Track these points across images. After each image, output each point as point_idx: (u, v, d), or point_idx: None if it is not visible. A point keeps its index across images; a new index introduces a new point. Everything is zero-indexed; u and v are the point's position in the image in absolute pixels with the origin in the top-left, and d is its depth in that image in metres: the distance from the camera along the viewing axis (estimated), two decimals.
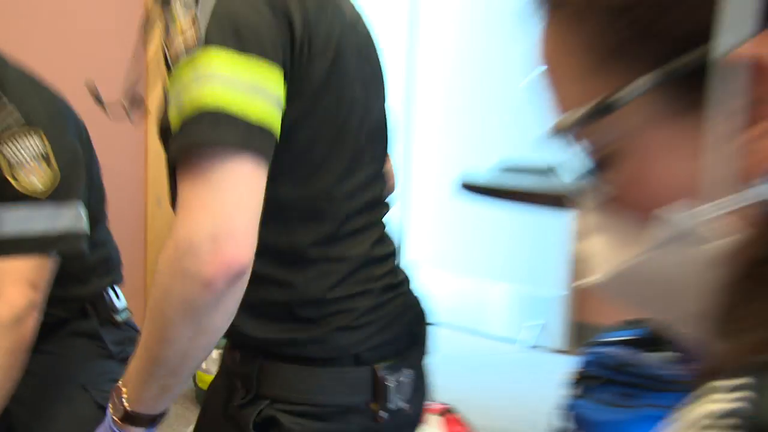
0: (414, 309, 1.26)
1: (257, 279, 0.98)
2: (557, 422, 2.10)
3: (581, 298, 3.32)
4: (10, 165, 1.50)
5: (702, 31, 0.41)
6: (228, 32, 0.95)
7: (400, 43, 4.13)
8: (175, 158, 0.97)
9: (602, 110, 0.46)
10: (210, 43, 0.93)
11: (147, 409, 1.05)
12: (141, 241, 2.87)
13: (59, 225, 1.57)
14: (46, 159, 1.54)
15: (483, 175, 1.45)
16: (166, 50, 0.98)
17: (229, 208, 0.96)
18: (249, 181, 0.98)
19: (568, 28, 0.48)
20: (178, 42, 0.95)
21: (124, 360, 1.78)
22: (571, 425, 2.08)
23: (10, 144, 1.51)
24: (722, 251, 0.47)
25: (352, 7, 1.17)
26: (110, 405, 1.07)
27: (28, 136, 1.53)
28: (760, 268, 0.44)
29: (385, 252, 1.24)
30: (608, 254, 0.53)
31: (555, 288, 3.26)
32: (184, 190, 0.96)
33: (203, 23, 0.94)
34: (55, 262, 1.58)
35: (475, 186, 1.40)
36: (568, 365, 2.20)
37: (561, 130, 0.50)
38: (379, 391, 1.18)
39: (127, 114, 1.29)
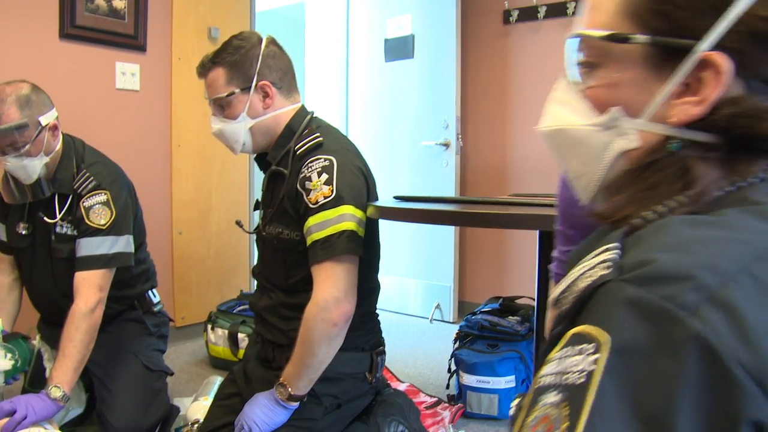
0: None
1: None
2: (451, 365, 2.67)
3: (461, 287, 4.22)
4: (85, 210, 1.99)
5: (688, 30, 0.58)
6: (349, 194, 1.62)
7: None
8: (324, 254, 1.58)
9: (618, 38, 0.62)
10: (342, 199, 1.60)
11: (300, 392, 1.63)
12: (169, 259, 3.41)
13: (116, 248, 2.03)
14: (108, 206, 2.01)
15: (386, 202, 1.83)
16: (304, 195, 1.62)
17: (345, 284, 1.61)
18: (355, 269, 1.65)
19: None
20: (316, 194, 1.60)
21: (160, 336, 2.35)
22: (455, 366, 2.63)
23: (87, 198, 2.00)
24: (628, 147, 0.64)
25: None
26: (277, 391, 1.62)
27: (98, 193, 2.01)
28: (642, 169, 0.61)
29: None
30: (559, 116, 0.70)
31: (446, 280, 4.13)
32: (323, 273, 1.60)
33: (335, 185, 1.60)
34: (113, 272, 2.05)
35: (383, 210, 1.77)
36: (452, 332, 2.79)
37: (582, 35, 0.66)
38: (373, 367, 1.83)
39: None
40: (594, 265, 0.51)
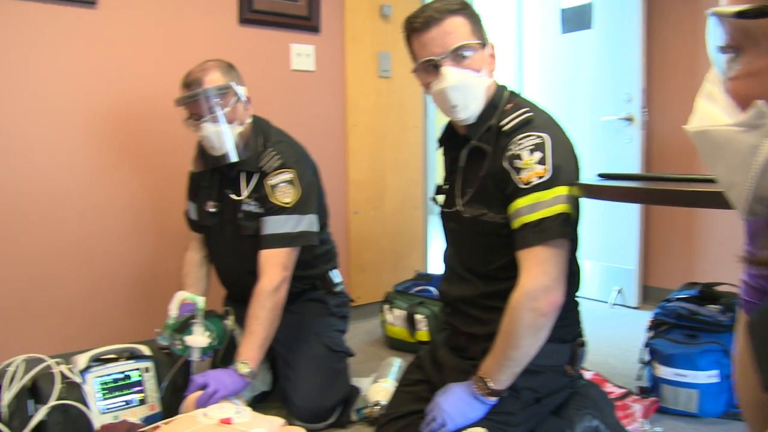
0: None
1: None
2: (641, 355, 2.43)
3: (646, 270, 3.87)
4: (271, 188, 2.01)
5: None
6: (564, 174, 1.49)
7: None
8: (536, 239, 1.46)
9: (759, 13, 0.52)
10: (557, 180, 1.47)
11: (501, 386, 1.54)
12: (345, 239, 3.42)
13: (300, 227, 2.03)
14: (293, 185, 2.02)
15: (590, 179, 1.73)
16: (513, 174, 1.49)
17: (556, 272, 1.49)
18: (566, 255, 1.53)
19: None
20: (529, 173, 1.48)
21: (341, 317, 2.34)
22: (648, 357, 2.39)
23: (272, 176, 2.02)
24: None
25: None
26: (476, 385, 1.53)
27: (283, 172, 2.02)
28: None
29: None
30: (704, 114, 0.61)
31: (629, 263, 3.86)
32: (533, 258, 1.47)
33: (550, 165, 1.47)
34: (297, 251, 2.05)
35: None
36: (636, 318, 2.55)
37: (717, 14, 0.57)
38: (573, 359, 1.70)
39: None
40: None
